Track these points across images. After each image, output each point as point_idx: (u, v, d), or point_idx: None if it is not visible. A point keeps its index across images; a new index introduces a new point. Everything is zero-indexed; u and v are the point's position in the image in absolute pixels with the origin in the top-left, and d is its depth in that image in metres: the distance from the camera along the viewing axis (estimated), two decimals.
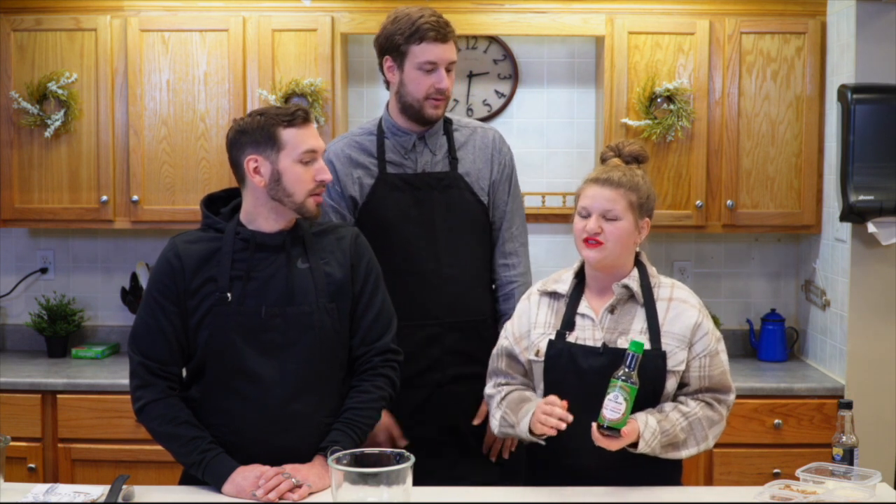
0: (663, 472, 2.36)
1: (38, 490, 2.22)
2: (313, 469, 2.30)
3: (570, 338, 2.34)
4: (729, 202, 3.78)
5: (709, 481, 3.54)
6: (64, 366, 3.85)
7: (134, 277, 4.08)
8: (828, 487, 2.20)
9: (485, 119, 4.04)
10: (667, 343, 2.31)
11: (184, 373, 2.44)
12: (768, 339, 3.97)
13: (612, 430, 2.17)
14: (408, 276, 2.73)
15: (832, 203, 3.67)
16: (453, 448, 2.75)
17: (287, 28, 3.77)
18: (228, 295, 2.33)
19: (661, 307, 2.35)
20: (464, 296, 2.77)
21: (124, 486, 2.19)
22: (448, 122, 2.83)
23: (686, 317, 2.34)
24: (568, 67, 4.11)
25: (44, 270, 4.20)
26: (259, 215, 2.38)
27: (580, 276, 2.42)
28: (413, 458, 2.00)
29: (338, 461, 2.00)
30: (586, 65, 4.11)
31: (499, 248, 2.86)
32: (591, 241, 2.31)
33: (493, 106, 4.11)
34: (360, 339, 2.45)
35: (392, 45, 2.70)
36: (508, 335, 2.46)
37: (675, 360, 2.31)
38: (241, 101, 3.78)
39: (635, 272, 2.37)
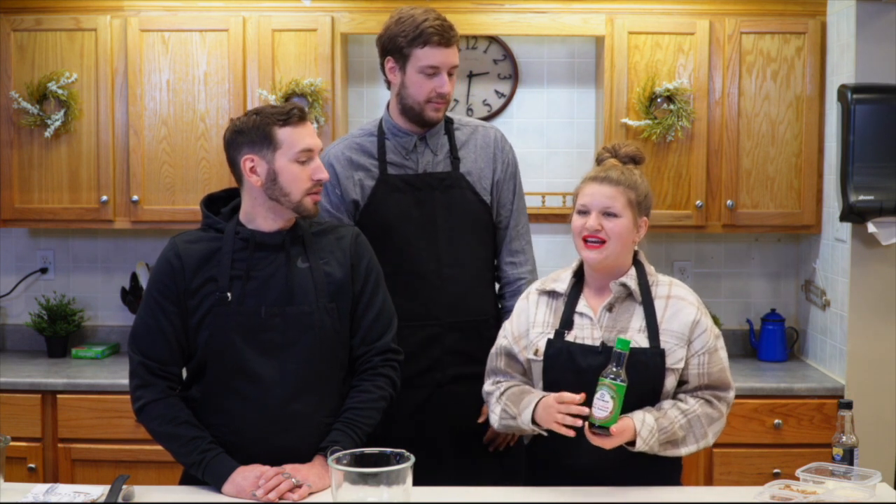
0: (663, 471, 2.37)
1: (38, 490, 2.22)
2: (313, 469, 2.30)
3: (569, 337, 2.35)
4: (729, 202, 3.78)
5: (709, 481, 3.54)
6: (64, 366, 3.85)
7: (134, 277, 4.08)
8: (828, 487, 2.20)
9: (485, 119, 4.04)
10: (665, 341, 2.31)
11: (184, 373, 2.44)
12: (768, 339, 3.97)
13: (602, 429, 2.17)
14: (408, 277, 2.73)
15: (832, 203, 3.67)
16: (454, 448, 2.75)
17: (287, 28, 3.77)
18: (228, 295, 2.33)
19: (659, 305, 2.35)
20: (465, 296, 2.77)
21: (124, 486, 2.19)
22: (449, 122, 2.83)
23: (684, 314, 2.34)
24: (568, 67, 4.11)
25: (44, 270, 4.20)
26: (258, 215, 2.38)
27: (578, 276, 2.42)
28: (413, 458, 2.00)
29: (338, 461, 2.00)
30: (586, 65, 4.11)
31: (506, 247, 2.86)
32: (592, 239, 2.31)
33: (493, 106, 4.11)
34: (360, 339, 2.45)
35: (395, 47, 2.70)
36: (507, 334, 2.46)
37: (674, 357, 2.31)
38: (241, 101, 3.78)
39: (633, 271, 2.38)
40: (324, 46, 3.77)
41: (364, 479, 1.96)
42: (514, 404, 2.34)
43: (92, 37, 3.80)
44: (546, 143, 4.13)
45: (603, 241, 2.31)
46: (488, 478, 2.67)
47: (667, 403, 2.31)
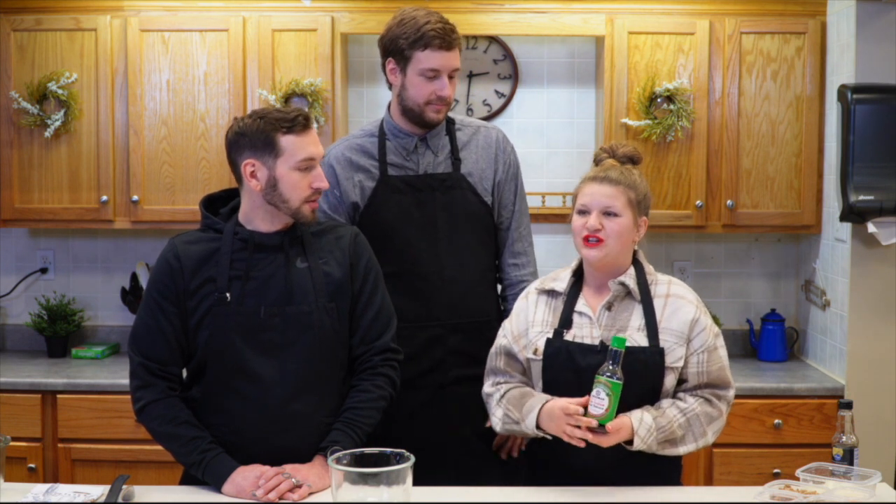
0: (663, 471, 2.37)
1: (38, 490, 2.22)
2: (313, 469, 2.30)
3: (568, 336, 2.35)
4: (729, 202, 3.78)
5: (709, 481, 3.54)
6: (64, 366, 3.85)
7: (134, 277, 4.08)
8: (828, 487, 2.20)
9: (485, 119, 4.04)
10: (665, 340, 2.31)
11: (184, 373, 2.44)
12: (768, 339, 3.97)
13: (598, 426, 2.18)
14: (410, 278, 2.73)
15: (832, 203, 3.67)
16: (455, 449, 2.75)
17: (287, 28, 3.77)
18: (228, 295, 2.33)
19: (658, 304, 2.35)
20: (466, 297, 2.77)
21: (124, 486, 2.20)
22: (451, 123, 2.82)
23: (683, 313, 2.34)
24: (568, 67, 4.11)
25: (44, 270, 4.20)
26: (256, 217, 2.38)
27: (578, 275, 2.43)
28: (413, 458, 2.00)
29: (338, 461, 2.00)
30: (586, 65, 4.11)
31: (508, 248, 2.85)
32: (592, 238, 2.32)
33: (493, 106, 4.11)
34: (359, 339, 2.45)
35: (396, 49, 2.69)
36: (507, 333, 2.46)
37: (674, 356, 2.31)
38: (241, 101, 3.78)
39: (632, 270, 2.38)
40: (324, 46, 3.77)
41: (364, 479, 1.96)
42: (515, 409, 2.34)
43: (92, 37, 3.80)
44: (546, 143, 4.13)
45: (603, 240, 2.31)
46: (489, 478, 2.67)
47: (665, 402, 2.31)
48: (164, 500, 2.25)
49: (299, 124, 2.33)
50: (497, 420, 2.40)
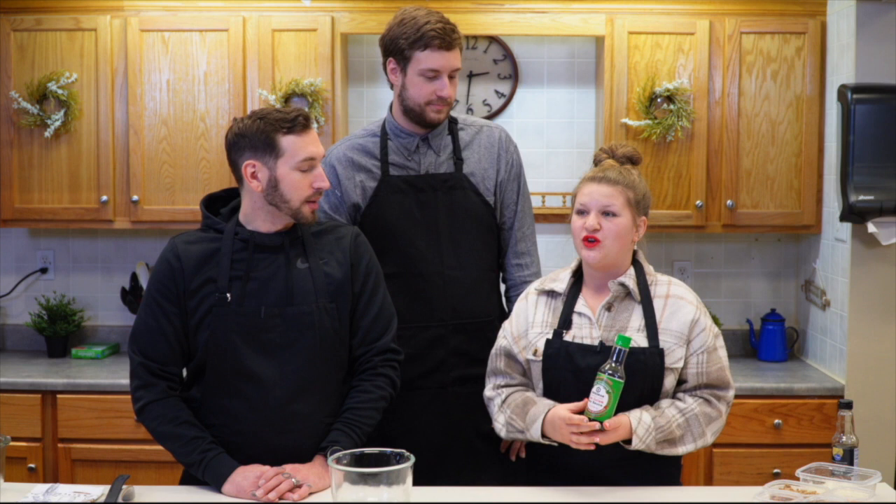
0: (663, 471, 2.37)
1: (38, 490, 2.22)
2: (313, 469, 2.30)
3: (568, 336, 2.35)
4: (729, 202, 3.78)
5: (709, 481, 3.54)
6: (64, 366, 3.85)
7: (134, 277, 4.08)
8: (828, 487, 2.20)
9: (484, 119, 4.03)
10: (665, 340, 2.31)
11: (184, 373, 2.44)
12: (768, 339, 3.97)
13: (596, 423, 2.18)
14: (411, 278, 2.72)
15: (832, 203, 3.67)
16: (457, 449, 2.74)
17: (287, 28, 3.77)
18: (228, 295, 2.33)
19: (658, 304, 2.35)
20: (468, 297, 2.77)
21: (124, 486, 2.20)
22: (453, 122, 2.82)
23: (683, 313, 2.34)
24: (568, 67, 4.11)
25: (44, 270, 4.20)
26: (257, 217, 2.38)
27: (577, 275, 2.43)
28: (413, 458, 2.00)
29: (338, 461, 2.00)
30: (586, 65, 4.11)
31: (511, 248, 2.85)
32: (591, 239, 2.32)
33: (493, 106, 4.11)
34: (360, 339, 2.45)
35: (396, 49, 2.69)
36: (507, 334, 2.46)
37: (673, 357, 2.31)
38: (241, 101, 3.78)
39: (632, 270, 2.38)
40: (324, 46, 3.77)
41: (364, 479, 1.96)
42: (519, 418, 2.34)
43: (92, 37, 3.80)
44: (546, 143, 4.13)
45: (601, 241, 2.31)
46: (490, 478, 2.67)
47: (665, 402, 2.31)
48: (164, 500, 2.25)
49: (299, 124, 2.33)
50: (500, 426, 2.40)
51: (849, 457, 2.33)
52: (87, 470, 3.55)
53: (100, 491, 2.21)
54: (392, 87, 2.78)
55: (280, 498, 2.22)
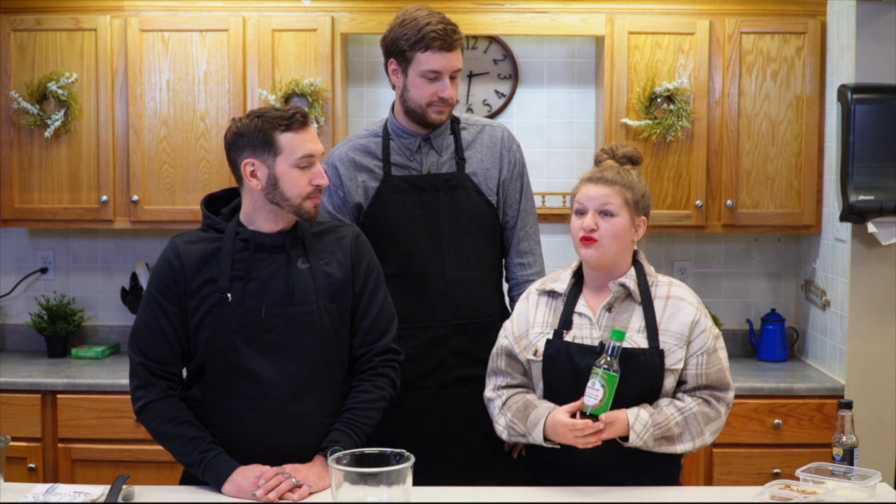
0: (662, 471, 2.37)
1: (38, 490, 2.22)
2: (313, 469, 2.30)
3: (568, 337, 2.35)
4: (729, 202, 3.78)
5: (709, 481, 3.54)
6: (64, 366, 3.85)
7: (134, 277, 4.08)
8: (828, 487, 2.20)
9: None
10: (665, 341, 2.32)
11: (184, 373, 2.44)
12: (768, 339, 3.97)
13: (592, 417, 2.19)
14: (412, 278, 2.72)
15: (832, 203, 3.67)
16: (457, 449, 2.74)
17: (287, 28, 3.77)
18: (228, 295, 2.33)
19: (658, 305, 2.35)
20: (469, 297, 2.76)
21: (124, 486, 2.20)
22: (456, 122, 2.81)
23: (683, 314, 2.34)
24: (568, 67, 4.11)
25: (44, 270, 4.20)
26: (258, 217, 2.38)
27: (578, 276, 2.43)
28: (413, 458, 2.00)
29: (338, 461, 2.00)
30: (586, 65, 4.11)
31: (514, 248, 2.85)
32: (587, 239, 2.32)
33: (493, 106, 4.11)
34: (360, 339, 2.45)
35: (397, 50, 2.68)
36: (508, 334, 2.46)
37: (674, 358, 2.31)
38: (241, 101, 3.78)
39: (632, 271, 2.38)
40: (324, 46, 3.77)
41: (364, 479, 1.96)
42: (521, 422, 2.34)
43: (92, 37, 3.80)
44: (546, 143, 4.13)
45: (597, 240, 2.31)
46: (490, 478, 2.66)
47: (663, 401, 2.31)
48: (164, 500, 2.25)
49: (297, 122, 2.33)
50: (501, 429, 2.41)
51: (849, 457, 2.33)
52: (87, 470, 3.55)
53: (100, 491, 2.21)
54: (394, 87, 2.78)
55: (280, 498, 2.22)
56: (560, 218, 4.03)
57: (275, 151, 2.32)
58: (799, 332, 4.07)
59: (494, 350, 2.49)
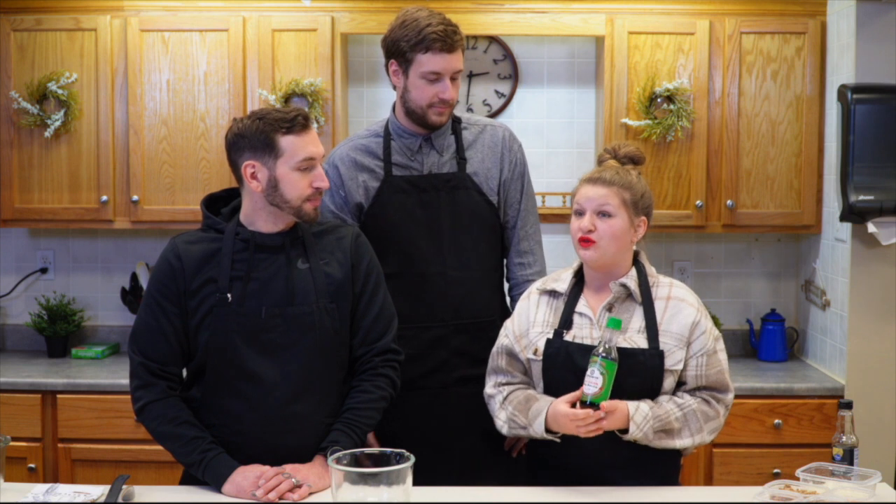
0: (662, 471, 2.37)
1: (38, 490, 2.22)
2: (313, 469, 2.30)
3: (568, 336, 2.35)
4: (729, 202, 3.78)
5: (709, 481, 3.54)
6: (64, 366, 3.85)
7: (134, 277, 4.08)
8: (828, 487, 2.20)
9: None
10: (665, 342, 2.32)
11: (184, 373, 2.44)
12: (768, 339, 3.97)
13: (593, 406, 2.19)
14: (413, 278, 2.72)
15: (832, 203, 3.67)
16: (458, 449, 2.74)
17: (287, 28, 3.77)
18: (228, 296, 2.33)
19: (659, 306, 2.35)
20: (470, 297, 2.76)
21: (124, 486, 2.20)
22: (457, 121, 2.81)
23: (684, 315, 2.34)
24: (568, 67, 4.11)
25: (44, 270, 4.20)
26: (258, 217, 2.38)
27: (579, 276, 2.43)
28: (413, 458, 2.00)
29: (338, 461, 2.00)
30: (586, 65, 4.11)
31: (514, 247, 2.85)
32: (586, 240, 2.32)
33: (493, 106, 4.11)
34: (360, 340, 2.45)
35: (398, 51, 2.68)
36: (509, 333, 2.47)
37: (673, 359, 2.32)
38: (241, 101, 3.78)
39: (634, 271, 2.38)
40: (324, 46, 3.77)
41: (364, 479, 1.96)
42: (521, 414, 2.34)
43: (92, 37, 3.80)
44: (546, 143, 4.13)
45: (596, 241, 2.32)
46: (491, 478, 2.66)
47: (663, 398, 2.32)
48: (164, 500, 2.25)
49: (299, 124, 2.33)
50: (502, 423, 2.41)
51: (849, 457, 2.33)
52: (87, 470, 3.55)
53: (100, 491, 2.21)
54: (395, 87, 2.78)
55: (280, 498, 2.22)
56: (560, 218, 4.02)
57: (276, 154, 2.32)
58: (799, 332, 4.07)
59: (495, 349, 2.49)
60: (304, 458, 2.33)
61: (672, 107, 3.73)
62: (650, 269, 2.41)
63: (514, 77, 4.10)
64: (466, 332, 2.75)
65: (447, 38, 2.63)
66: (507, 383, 2.44)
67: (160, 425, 2.33)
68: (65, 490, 2.23)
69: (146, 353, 2.36)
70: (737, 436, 3.50)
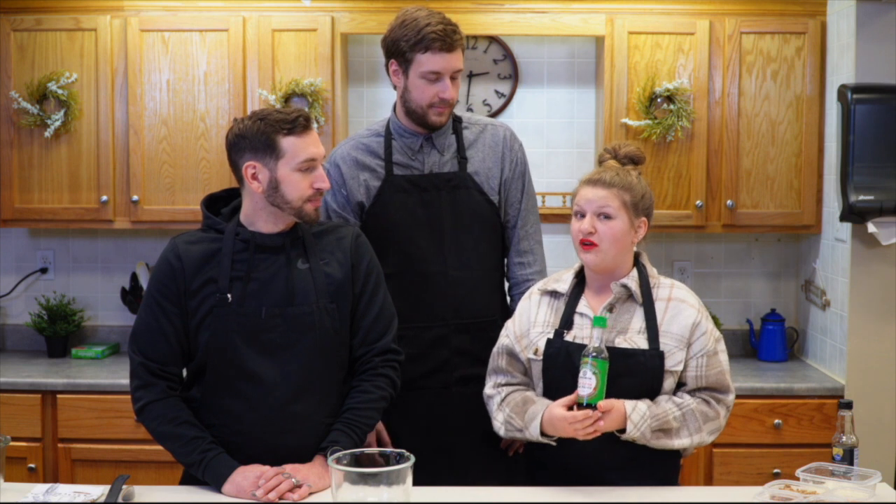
0: (661, 471, 2.37)
1: (38, 490, 2.22)
2: (313, 469, 2.30)
3: (568, 336, 2.35)
4: (729, 202, 3.78)
5: (709, 481, 3.54)
6: (64, 366, 3.85)
7: (134, 277, 4.08)
8: (828, 487, 2.20)
9: None
10: (665, 343, 2.32)
11: (184, 373, 2.44)
12: (768, 339, 3.97)
13: (589, 407, 2.19)
14: (414, 278, 2.72)
15: (832, 203, 3.67)
16: (460, 449, 2.74)
17: (287, 28, 3.77)
18: (229, 296, 2.33)
19: (659, 307, 2.35)
20: (471, 297, 2.76)
21: (124, 486, 2.20)
22: (458, 121, 2.81)
23: (684, 316, 2.34)
24: (568, 67, 4.11)
25: (44, 270, 4.20)
26: (258, 218, 2.38)
27: (580, 276, 2.43)
28: (413, 458, 2.00)
29: (338, 461, 2.00)
30: (586, 65, 4.11)
31: (514, 247, 2.85)
32: (587, 242, 2.32)
33: (493, 106, 4.11)
34: (360, 340, 2.45)
35: (397, 51, 2.68)
36: (509, 333, 2.47)
37: (674, 360, 2.31)
38: (241, 101, 3.78)
39: (634, 272, 2.38)
40: (324, 46, 3.77)
41: (364, 479, 1.96)
42: (518, 416, 2.34)
43: (92, 37, 3.80)
44: (546, 143, 4.13)
45: (597, 244, 2.31)
46: (492, 478, 2.66)
47: (662, 397, 2.32)
48: (164, 500, 2.25)
49: (300, 125, 2.33)
50: (499, 425, 2.41)
51: (849, 457, 2.33)
52: (87, 470, 3.55)
53: (100, 491, 2.21)
54: (395, 87, 2.78)
55: (280, 498, 2.22)
56: (560, 218, 4.02)
57: (277, 155, 2.32)
58: (799, 332, 4.07)
59: (495, 349, 2.49)
60: (304, 458, 2.33)
61: (672, 107, 3.73)
62: (651, 270, 2.41)
63: (514, 77, 4.10)
64: (467, 331, 2.75)
65: (447, 38, 2.64)
66: (507, 384, 2.44)
67: (160, 425, 2.33)
68: (65, 490, 2.23)
69: (146, 353, 2.36)
70: (737, 436, 3.50)
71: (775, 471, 3.50)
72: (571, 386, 2.27)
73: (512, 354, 2.45)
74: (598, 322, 2.22)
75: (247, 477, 2.25)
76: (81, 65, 3.81)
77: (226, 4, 3.81)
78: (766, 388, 3.55)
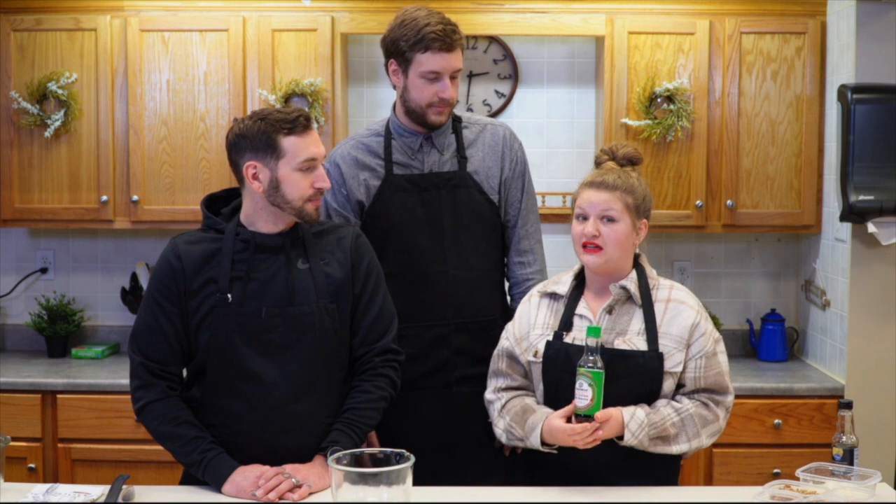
0: (660, 472, 2.37)
1: (38, 490, 2.22)
2: (313, 469, 2.30)
3: (568, 338, 2.35)
4: (729, 202, 3.78)
5: (709, 481, 3.54)
6: (64, 366, 3.85)
7: (134, 277, 4.08)
8: (828, 487, 2.20)
9: None
10: (664, 344, 2.31)
11: (184, 373, 2.44)
12: (768, 339, 3.97)
13: (586, 418, 2.19)
14: (414, 277, 2.72)
15: (832, 203, 3.67)
16: (460, 449, 2.74)
17: (287, 28, 3.77)
18: (229, 296, 2.33)
19: (659, 308, 2.35)
20: (471, 296, 2.76)
21: (124, 486, 2.20)
22: (457, 121, 2.81)
23: (683, 318, 2.34)
24: (568, 67, 4.11)
25: (44, 270, 4.20)
26: (259, 218, 2.38)
27: (580, 278, 2.43)
28: (413, 458, 2.00)
29: (338, 461, 2.00)
30: (586, 65, 4.11)
31: (514, 246, 2.85)
32: (590, 245, 2.32)
33: (493, 106, 4.11)
34: (360, 340, 2.45)
35: (397, 51, 2.68)
36: (509, 336, 2.47)
37: (673, 361, 2.31)
38: (241, 101, 3.78)
39: (634, 274, 2.38)
40: (324, 46, 3.77)
41: (364, 479, 1.96)
42: (518, 426, 2.34)
43: (92, 37, 3.80)
44: (546, 143, 4.13)
45: (602, 248, 2.31)
46: (493, 478, 2.67)
47: (661, 402, 2.31)
48: (164, 500, 2.25)
49: (300, 125, 2.33)
50: (500, 432, 2.41)
51: (849, 457, 2.33)
52: (87, 470, 3.55)
53: (100, 491, 2.21)
54: (395, 87, 2.78)
55: (280, 498, 2.22)
56: (560, 218, 4.02)
57: (277, 155, 2.32)
58: (799, 332, 4.07)
59: (496, 352, 2.49)
60: (304, 458, 2.33)
61: (672, 107, 3.73)
62: (650, 272, 2.41)
63: (514, 77, 4.10)
64: (467, 331, 2.75)
65: (446, 38, 2.64)
66: (508, 387, 2.44)
67: (160, 425, 2.33)
68: (65, 490, 2.23)
69: (146, 353, 2.36)
70: (737, 436, 3.50)
71: (775, 471, 3.50)
72: (571, 387, 2.27)
73: (512, 357, 2.44)
74: (592, 332, 2.22)
75: (247, 477, 2.25)
76: (81, 65, 3.81)
77: (226, 4, 3.81)
78: (766, 388, 3.55)
